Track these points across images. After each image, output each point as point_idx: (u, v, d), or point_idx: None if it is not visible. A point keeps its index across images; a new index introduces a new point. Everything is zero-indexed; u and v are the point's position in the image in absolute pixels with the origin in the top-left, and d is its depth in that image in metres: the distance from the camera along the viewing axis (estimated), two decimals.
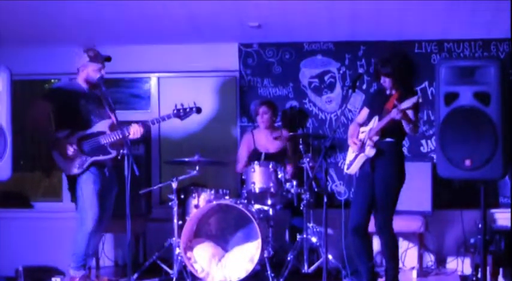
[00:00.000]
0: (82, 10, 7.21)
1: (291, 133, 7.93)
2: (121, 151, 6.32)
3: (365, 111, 6.52)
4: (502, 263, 6.86)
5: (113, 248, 8.43)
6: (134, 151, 7.38)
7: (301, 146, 7.45)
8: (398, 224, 6.31)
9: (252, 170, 7.39)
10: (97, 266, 7.94)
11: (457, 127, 5.46)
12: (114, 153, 6.71)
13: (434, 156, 7.12)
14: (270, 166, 7.37)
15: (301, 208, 7.34)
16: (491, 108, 5.36)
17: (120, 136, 6.62)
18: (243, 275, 6.92)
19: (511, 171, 5.51)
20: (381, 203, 6.20)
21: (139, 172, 6.19)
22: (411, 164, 6.38)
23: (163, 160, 8.53)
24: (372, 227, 6.33)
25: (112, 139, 6.70)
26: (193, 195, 7.35)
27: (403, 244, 7.84)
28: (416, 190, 7.30)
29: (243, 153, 8.13)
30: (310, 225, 7.39)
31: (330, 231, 6.89)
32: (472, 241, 7.34)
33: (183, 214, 7.38)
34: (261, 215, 7.26)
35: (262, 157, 7.84)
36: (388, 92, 6.32)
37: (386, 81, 6.25)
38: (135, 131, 6.67)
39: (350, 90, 6.35)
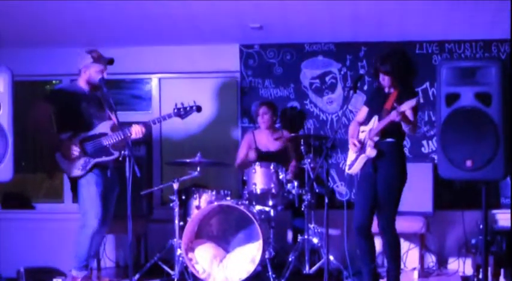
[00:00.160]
0: (83, 11, 7.21)
1: (293, 134, 7.95)
2: (122, 152, 6.33)
3: (364, 110, 6.51)
4: (504, 264, 6.86)
5: (114, 249, 8.43)
6: (135, 152, 7.40)
7: (302, 147, 7.45)
8: (400, 224, 6.31)
9: (253, 171, 7.39)
10: (98, 267, 7.94)
11: (458, 128, 5.46)
12: (116, 154, 6.71)
13: (436, 157, 7.12)
14: (271, 167, 7.38)
15: (302, 209, 7.34)
16: (493, 108, 5.36)
17: (122, 137, 6.62)
18: (244, 276, 6.92)
19: None
20: (383, 204, 6.19)
21: (141, 173, 6.19)
22: (412, 164, 6.38)
23: (165, 161, 8.53)
24: (374, 227, 6.32)
25: (114, 140, 6.70)
26: (195, 196, 7.35)
27: (404, 245, 7.83)
28: (417, 191, 7.30)
29: (241, 151, 8.15)
30: (312, 226, 7.39)
31: (331, 232, 6.89)
32: (473, 241, 7.34)
33: (184, 215, 7.38)
34: (262, 216, 7.26)
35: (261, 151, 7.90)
36: (386, 90, 6.32)
37: (385, 79, 6.23)
38: (136, 132, 6.67)
39: (351, 91, 6.36)
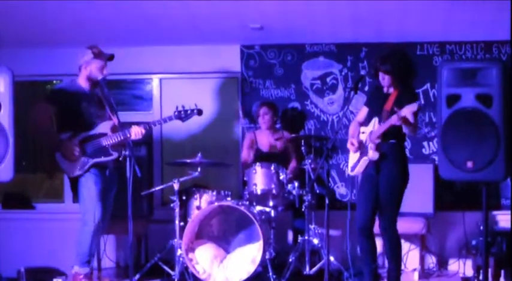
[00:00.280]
0: (84, 11, 7.22)
1: (293, 135, 7.96)
2: (123, 152, 6.33)
3: (364, 110, 6.51)
4: (504, 265, 6.86)
5: (115, 249, 8.43)
6: (136, 152, 7.38)
7: (303, 148, 7.45)
8: (400, 225, 6.31)
9: (254, 171, 7.39)
10: (99, 268, 7.94)
11: (459, 129, 5.46)
12: (115, 154, 6.72)
13: (436, 158, 7.11)
14: (272, 168, 7.38)
15: (302, 210, 7.34)
16: (493, 110, 5.36)
17: (122, 138, 6.62)
18: (245, 276, 6.92)
19: None
20: (385, 205, 6.19)
21: (141, 173, 6.20)
22: (413, 165, 6.38)
23: (165, 161, 8.52)
24: (375, 228, 6.32)
25: (113, 141, 6.70)
26: (195, 196, 7.35)
27: (404, 246, 7.81)
28: (418, 192, 7.29)
29: (245, 149, 8.18)
30: (312, 226, 7.39)
31: (331, 232, 6.89)
32: (473, 242, 7.34)
33: (184, 215, 7.37)
34: (263, 216, 7.26)
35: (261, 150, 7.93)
36: (385, 90, 6.31)
37: (385, 79, 6.23)
38: (136, 133, 6.67)
39: (352, 92, 6.36)
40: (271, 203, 7.41)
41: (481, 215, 5.67)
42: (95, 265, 7.65)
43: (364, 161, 6.28)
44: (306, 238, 7.27)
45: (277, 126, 8.33)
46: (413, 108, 5.81)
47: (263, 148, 8.05)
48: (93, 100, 6.82)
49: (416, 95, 6.38)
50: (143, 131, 6.70)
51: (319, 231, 7.35)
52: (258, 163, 7.46)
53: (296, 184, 7.36)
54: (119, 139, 6.67)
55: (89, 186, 6.69)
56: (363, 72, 8.29)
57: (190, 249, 7.07)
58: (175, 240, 7.18)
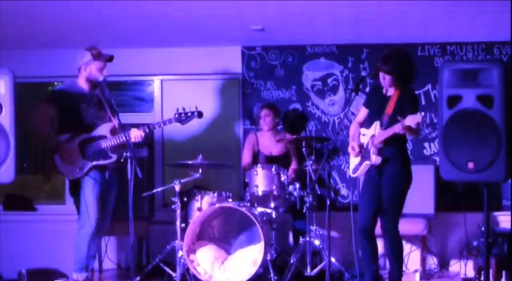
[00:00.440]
0: (85, 13, 7.22)
1: (294, 136, 7.96)
2: (124, 153, 6.33)
3: (364, 111, 6.50)
4: (505, 266, 6.86)
5: (116, 251, 8.43)
6: (137, 154, 7.39)
7: (304, 149, 7.45)
8: (402, 226, 6.30)
9: (255, 173, 7.39)
10: (100, 269, 7.95)
11: (460, 130, 5.45)
12: (114, 157, 6.71)
13: (437, 159, 7.11)
14: (273, 169, 7.38)
15: (304, 211, 7.33)
16: (495, 111, 5.35)
17: (121, 140, 6.62)
18: (246, 278, 6.91)
19: None
20: (387, 206, 6.18)
21: (142, 175, 6.19)
22: (414, 166, 6.37)
23: (167, 163, 8.53)
24: (377, 229, 6.31)
25: (112, 143, 6.70)
26: (196, 198, 7.35)
27: (406, 247, 7.79)
28: (419, 193, 7.27)
29: (246, 151, 8.16)
30: (313, 228, 7.38)
31: (332, 234, 6.89)
32: (475, 243, 7.34)
33: (185, 217, 7.37)
34: (264, 218, 7.26)
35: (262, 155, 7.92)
36: (385, 90, 6.30)
37: (386, 79, 6.20)
38: (135, 136, 6.66)
39: (353, 93, 6.35)
40: (272, 205, 7.41)
41: (482, 216, 5.66)
42: (96, 266, 7.66)
43: (366, 165, 6.27)
44: (307, 239, 7.26)
45: (279, 128, 8.32)
46: (418, 120, 5.77)
47: (264, 149, 8.05)
48: (93, 102, 6.81)
49: (417, 98, 6.36)
50: (142, 134, 6.70)
51: (320, 232, 7.34)
52: (259, 165, 7.46)
53: (297, 185, 7.36)
54: (118, 142, 6.66)
55: (88, 189, 6.68)
56: (363, 73, 8.28)
57: (192, 250, 7.07)
58: (177, 241, 7.18)
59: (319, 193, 7.55)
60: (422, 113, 5.81)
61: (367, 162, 6.24)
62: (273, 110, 8.08)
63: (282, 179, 7.36)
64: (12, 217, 8.62)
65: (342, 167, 8.42)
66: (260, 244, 6.94)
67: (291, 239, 8.19)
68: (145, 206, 7.92)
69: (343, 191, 8.43)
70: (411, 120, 5.80)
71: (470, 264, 7.85)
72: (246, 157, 8.12)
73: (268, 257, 7.02)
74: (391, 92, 6.26)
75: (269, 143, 8.05)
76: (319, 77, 8.54)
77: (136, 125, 6.77)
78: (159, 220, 8.22)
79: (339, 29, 7.89)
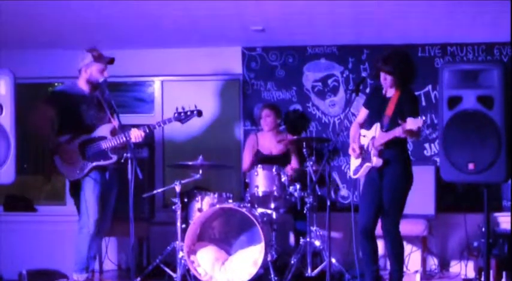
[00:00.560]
0: (85, 13, 7.22)
1: (295, 137, 7.96)
2: (124, 154, 6.32)
3: (364, 111, 6.50)
4: (505, 267, 6.86)
5: (117, 251, 8.43)
6: (138, 154, 7.38)
7: (304, 150, 7.45)
8: (402, 227, 6.30)
9: (256, 173, 7.39)
10: (100, 270, 7.96)
11: (461, 131, 5.45)
12: (114, 158, 6.71)
13: (438, 159, 7.11)
14: (274, 170, 7.37)
15: (304, 212, 7.33)
16: (495, 111, 5.35)
17: (121, 141, 6.61)
18: (247, 278, 6.91)
19: None
20: (389, 208, 6.17)
21: (143, 176, 6.19)
22: (415, 167, 6.37)
23: (167, 163, 8.52)
24: (377, 230, 6.31)
25: (112, 144, 6.70)
26: (197, 198, 7.34)
27: (406, 248, 7.76)
28: (419, 194, 7.26)
29: (246, 153, 8.16)
30: (314, 228, 7.38)
31: (333, 234, 6.89)
32: (475, 244, 7.35)
33: (186, 218, 7.37)
34: (265, 218, 7.26)
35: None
36: (385, 91, 6.30)
37: (387, 79, 6.20)
38: (136, 136, 6.66)
39: (353, 94, 6.34)
40: (272, 205, 7.42)
41: (483, 217, 5.66)
42: (96, 267, 7.66)
43: (367, 167, 6.26)
44: (308, 240, 7.26)
45: (281, 128, 8.32)
46: (419, 124, 5.75)
47: (264, 149, 8.05)
48: (93, 103, 6.81)
49: (417, 99, 6.36)
50: (143, 134, 6.70)
51: (321, 233, 7.34)
52: (259, 165, 7.46)
53: (298, 186, 7.36)
54: (118, 142, 6.66)
55: (88, 190, 6.68)
56: (364, 74, 8.25)
57: (192, 251, 7.07)
58: (177, 242, 7.18)
59: (319, 193, 7.56)
60: (423, 118, 5.80)
61: (368, 164, 6.23)
62: (274, 110, 8.07)
63: (283, 179, 7.36)
64: (12, 217, 8.62)
65: (343, 167, 8.42)
66: (260, 244, 6.94)
67: (291, 240, 8.20)
68: (146, 207, 7.93)
69: (344, 191, 8.43)
70: (412, 124, 5.78)
71: (470, 265, 7.85)
72: (246, 160, 8.12)
73: (269, 258, 7.02)
74: (390, 93, 6.26)
75: (269, 143, 8.05)
76: (319, 78, 8.54)
77: (137, 126, 6.77)
78: (160, 221, 8.22)
79: (339, 29, 7.89)
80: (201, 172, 7.28)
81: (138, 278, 7.12)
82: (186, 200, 7.39)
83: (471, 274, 7.75)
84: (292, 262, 7.18)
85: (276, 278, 6.96)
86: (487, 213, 5.59)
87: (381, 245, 6.45)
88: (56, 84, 8.87)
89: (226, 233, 7.30)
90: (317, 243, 7.26)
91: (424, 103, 8.24)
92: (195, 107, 6.85)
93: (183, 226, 7.21)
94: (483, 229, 5.86)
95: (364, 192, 6.39)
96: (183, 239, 7.07)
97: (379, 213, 6.25)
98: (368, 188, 6.32)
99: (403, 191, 6.21)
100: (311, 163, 7.36)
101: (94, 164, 6.71)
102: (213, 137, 8.71)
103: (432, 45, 8.32)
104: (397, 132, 5.92)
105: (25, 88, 8.47)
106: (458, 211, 7.99)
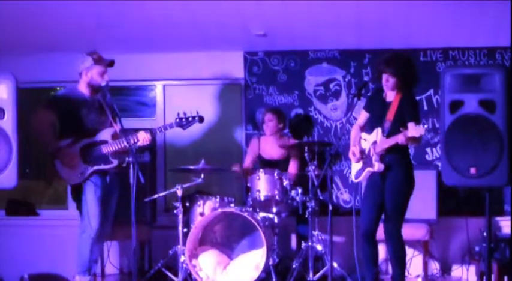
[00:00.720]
0: (88, 18, 7.23)
1: (297, 141, 7.96)
2: (126, 158, 6.33)
3: (364, 114, 6.50)
4: (507, 271, 6.85)
5: (118, 255, 8.43)
6: (139, 159, 7.38)
7: (306, 154, 7.45)
8: (404, 231, 6.29)
9: (257, 177, 7.39)
10: (102, 274, 7.95)
11: (462, 135, 5.46)
12: (115, 162, 6.72)
13: (439, 164, 7.12)
14: (275, 174, 7.37)
15: (306, 216, 7.33)
16: (497, 116, 5.36)
17: (123, 145, 6.61)
18: None
19: None
20: (391, 212, 6.17)
21: (145, 180, 6.19)
22: (416, 171, 6.37)
23: (169, 168, 8.53)
24: (378, 234, 6.31)
25: (114, 148, 6.71)
26: (199, 203, 7.34)
27: (408, 252, 7.74)
28: (421, 198, 7.26)
29: (248, 157, 8.17)
30: (315, 233, 7.38)
31: (335, 239, 6.89)
32: (477, 248, 7.34)
33: (188, 222, 7.37)
34: (266, 222, 7.26)
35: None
36: (386, 94, 6.30)
37: (389, 81, 6.18)
38: (143, 138, 6.67)
39: (355, 98, 6.33)
40: (274, 210, 7.41)
41: (484, 221, 5.67)
42: (98, 271, 7.66)
43: (369, 172, 6.27)
44: (310, 244, 7.27)
45: (285, 131, 8.31)
46: (421, 132, 5.76)
47: (265, 153, 8.04)
48: (94, 107, 6.81)
49: (418, 103, 6.33)
50: (150, 136, 6.71)
51: (323, 237, 7.35)
52: (261, 169, 7.46)
53: (299, 190, 7.36)
54: (120, 146, 6.66)
55: (89, 194, 6.69)
56: (366, 78, 8.30)
57: (194, 255, 7.07)
58: (179, 246, 7.18)
59: (321, 197, 7.56)
60: (426, 126, 5.80)
61: (369, 169, 6.23)
62: (277, 114, 8.06)
63: (285, 184, 7.36)
64: (14, 221, 8.64)
65: (344, 172, 8.41)
66: (262, 248, 6.94)
67: (293, 244, 8.19)
68: (148, 211, 7.93)
69: (345, 196, 8.43)
70: (415, 131, 5.78)
71: (472, 269, 7.84)
72: (247, 162, 8.13)
73: (271, 262, 7.02)
74: (391, 96, 6.25)
75: (271, 148, 8.04)
76: (321, 82, 8.54)
77: (138, 130, 6.77)
78: (161, 225, 8.22)
79: (341, 34, 7.90)
80: (202, 176, 7.28)
81: None
82: (187, 204, 7.40)
83: (473, 278, 7.75)
84: (294, 266, 7.18)
85: None
86: (488, 217, 5.59)
87: (382, 249, 6.45)
88: (57, 88, 8.88)
89: (228, 237, 7.30)
90: (319, 247, 7.26)
91: (426, 107, 8.24)
92: (197, 113, 6.86)
93: (185, 230, 7.22)
94: (485, 233, 5.88)
95: (365, 195, 6.39)
96: (184, 243, 7.07)
97: (380, 216, 6.25)
98: (370, 192, 6.32)
99: (405, 195, 6.21)
100: (313, 167, 7.37)
101: (94, 168, 6.72)
102: (215, 141, 8.71)
103: (434, 49, 8.32)
104: (399, 139, 5.92)
105: (27, 92, 8.48)
106: (460, 215, 7.99)
